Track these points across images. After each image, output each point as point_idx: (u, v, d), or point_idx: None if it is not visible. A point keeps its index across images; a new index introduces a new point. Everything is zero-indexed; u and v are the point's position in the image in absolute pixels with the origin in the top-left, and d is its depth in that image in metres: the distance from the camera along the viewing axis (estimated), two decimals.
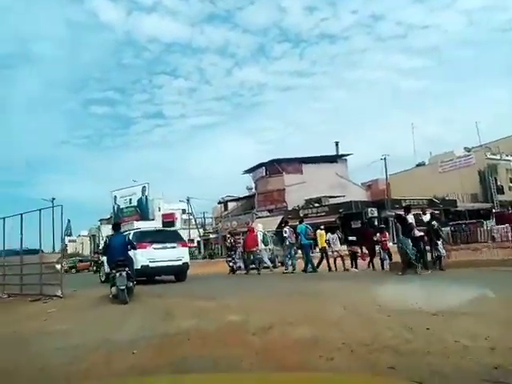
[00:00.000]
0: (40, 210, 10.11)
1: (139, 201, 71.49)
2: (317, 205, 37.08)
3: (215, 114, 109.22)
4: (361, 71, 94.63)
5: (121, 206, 74.19)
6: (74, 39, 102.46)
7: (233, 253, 16.62)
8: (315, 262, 14.03)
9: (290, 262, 14.11)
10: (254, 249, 15.07)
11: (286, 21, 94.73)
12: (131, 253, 8.90)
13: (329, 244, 13.79)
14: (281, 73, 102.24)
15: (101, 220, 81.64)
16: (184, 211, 66.51)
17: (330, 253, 13.94)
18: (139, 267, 10.26)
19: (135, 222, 53.06)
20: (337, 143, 45.32)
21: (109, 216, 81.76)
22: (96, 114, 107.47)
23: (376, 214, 33.08)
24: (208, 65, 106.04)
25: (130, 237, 9.79)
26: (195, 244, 51.27)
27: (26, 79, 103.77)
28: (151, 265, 11.09)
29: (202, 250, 47.91)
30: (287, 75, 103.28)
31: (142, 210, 70.72)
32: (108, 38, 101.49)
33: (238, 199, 48.42)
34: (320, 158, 41.44)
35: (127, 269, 7.95)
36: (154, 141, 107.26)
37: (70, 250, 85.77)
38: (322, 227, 14.62)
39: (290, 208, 37.91)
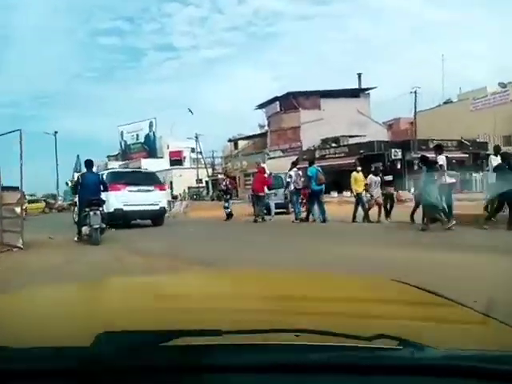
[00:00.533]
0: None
1: (146, 137, 68.86)
2: (334, 145, 34.15)
3: (228, 46, 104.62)
4: None
5: (128, 142, 71.87)
6: None
7: (228, 197, 14.45)
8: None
9: (298, 210, 12.45)
10: (262, 193, 12.97)
11: None
12: (103, 195, 8.49)
13: (366, 189, 11.34)
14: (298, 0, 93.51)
15: (108, 156, 79.81)
16: (193, 150, 64.12)
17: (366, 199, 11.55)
18: (112, 210, 9.78)
19: (142, 160, 51.38)
20: (359, 75, 40.82)
21: (116, 152, 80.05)
22: (105, 45, 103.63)
23: (400, 156, 30.19)
24: None
25: (104, 177, 9.35)
26: (203, 184, 49.27)
27: (30, 5, 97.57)
28: (125, 208, 10.52)
29: (211, 191, 46.00)
30: (305, 2, 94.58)
31: (149, 147, 68.37)
32: None
33: (249, 137, 45.34)
34: (341, 92, 37.55)
35: (101, 209, 7.68)
36: (164, 74, 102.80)
37: None
38: (359, 168, 12.01)
39: (305, 148, 35.09)
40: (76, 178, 9.33)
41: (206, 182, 49.25)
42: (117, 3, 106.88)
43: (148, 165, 64.24)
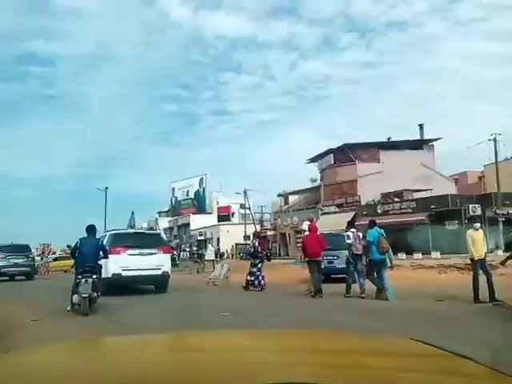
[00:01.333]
0: None
1: (196, 193, 68.95)
2: (397, 199, 30.50)
3: (279, 109, 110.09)
4: (436, 59, 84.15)
5: (178, 198, 72.39)
6: (146, 39, 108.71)
7: (257, 261, 11.76)
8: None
9: (361, 282, 9.62)
10: (319, 257, 9.99)
11: (353, 8, 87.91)
12: (102, 261, 8.02)
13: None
14: (347, 64, 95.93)
15: (159, 212, 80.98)
16: (242, 205, 62.79)
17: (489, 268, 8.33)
18: (109, 276, 9.41)
19: (191, 215, 50.45)
20: (421, 126, 37.75)
21: (167, 208, 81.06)
22: (166, 111, 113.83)
23: (479, 212, 25.83)
24: (272, 59, 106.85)
25: (105, 240, 9.07)
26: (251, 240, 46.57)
27: (102, 79, 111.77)
28: (124, 273, 9.92)
29: None
30: (353, 67, 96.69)
31: (198, 203, 68.13)
32: (176, 36, 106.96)
33: (300, 192, 42.80)
34: (402, 143, 34.50)
35: (95, 276, 7.27)
36: (218, 136, 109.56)
37: None
38: (478, 225, 8.79)
39: (363, 202, 31.74)
40: (75, 243, 8.38)
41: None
42: (177, 73, 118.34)
43: (197, 220, 63.87)
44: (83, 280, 7.07)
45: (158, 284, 10.78)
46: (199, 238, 53.01)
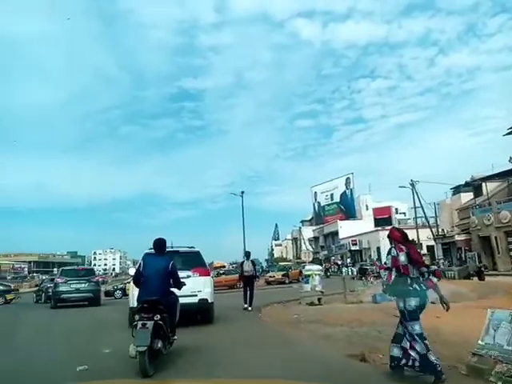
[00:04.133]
0: None
1: (342, 196, 59.40)
2: None
3: (420, 110, 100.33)
4: None
5: (322, 204, 64.01)
6: (279, 61, 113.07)
7: (412, 301, 3.82)
8: None
9: None
10: None
11: None
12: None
13: None
14: (496, 50, 79.35)
15: (302, 221, 74.52)
16: (396, 210, 51.08)
17: None
18: (133, 306, 7.47)
19: (339, 221, 41.12)
20: None
21: (310, 217, 73.92)
22: (301, 127, 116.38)
23: None
24: (408, 59, 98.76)
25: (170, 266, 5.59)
26: (424, 251, 34.55)
27: (242, 104, 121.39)
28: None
29: (441, 260, 30.90)
30: (506, 52, 78.31)
31: (345, 207, 58.55)
32: (307, 54, 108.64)
33: (502, 175, 29.30)
34: None
35: (159, 317, 4.78)
36: (354, 145, 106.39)
37: (276, 255, 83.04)
38: None
39: None
40: (138, 264, 5.78)
41: (430, 248, 34.55)
42: (311, 89, 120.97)
43: (345, 227, 54.43)
44: (139, 324, 4.65)
45: (198, 313, 8.82)
46: (352, 247, 43.42)
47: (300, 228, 67.23)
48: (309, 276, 12.77)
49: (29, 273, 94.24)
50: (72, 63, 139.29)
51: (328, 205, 60.23)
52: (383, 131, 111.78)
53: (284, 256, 78.66)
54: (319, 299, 11.47)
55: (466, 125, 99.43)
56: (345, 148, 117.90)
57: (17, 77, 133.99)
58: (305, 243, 61.66)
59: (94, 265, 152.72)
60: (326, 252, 54.50)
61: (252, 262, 11.68)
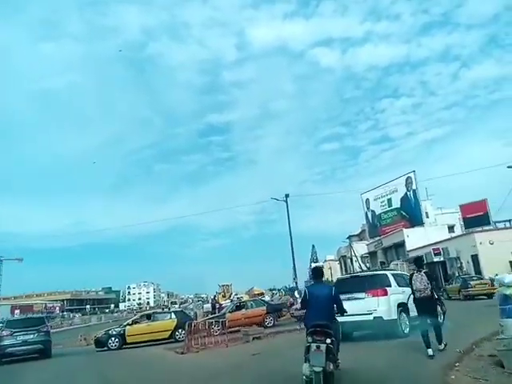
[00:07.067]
0: None
1: (403, 200, 50.13)
2: None
3: (447, 124, 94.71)
4: None
5: (377, 212, 54.81)
6: (301, 89, 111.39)
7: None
8: None
9: None
10: None
11: None
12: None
13: None
14: None
15: (349, 237, 65.40)
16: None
17: None
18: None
19: (404, 230, 30.76)
20: None
21: (359, 230, 64.69)
22: (327, 150, 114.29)
23: None
24: (430, 76, 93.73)
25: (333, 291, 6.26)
26: None
27: (268, 133, 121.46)
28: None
29: None
30: None
31: (409, 213, 49.14)
32: (329, 80, 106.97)
33: None
34: None
35: (329, 340, 5.33)
36: (381, 165, 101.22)
37: None
38: None
39: None
40: (303, 294, 6.38)
41: None
42: (336, 113, 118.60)
43: (412, 236, 45.24)
44: (314, 346, 5.24)
45: (373, 330, 10.04)
46: (435, 259, 34.13)
47: (350, 244, 58.13)
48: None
49: (61, 311, 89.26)
50: (107, 109, 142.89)
51: (385, 212, 50.95)
52: (412, 148, 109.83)
53: (329, 278, 69.39)
54: None
55: (499, 134, 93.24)
56: (373, 168, 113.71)
57: (60, 126, 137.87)
58: (357, 260, 52.64)
59: (129, 299, 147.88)
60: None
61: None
